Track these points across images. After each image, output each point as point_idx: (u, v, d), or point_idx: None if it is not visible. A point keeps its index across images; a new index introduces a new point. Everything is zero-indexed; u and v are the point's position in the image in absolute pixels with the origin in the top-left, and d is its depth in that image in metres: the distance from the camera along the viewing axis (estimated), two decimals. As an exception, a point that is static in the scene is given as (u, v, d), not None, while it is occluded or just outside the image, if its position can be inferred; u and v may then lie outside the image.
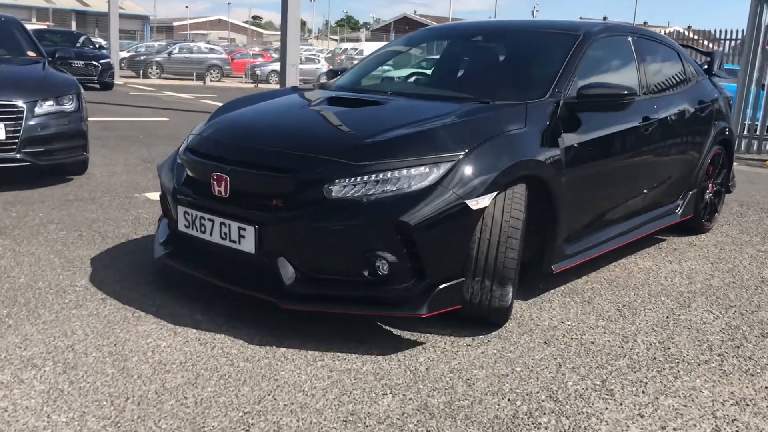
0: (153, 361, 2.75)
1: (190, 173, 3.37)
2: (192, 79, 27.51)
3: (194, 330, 3.06)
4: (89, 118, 6.54)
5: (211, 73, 28.36)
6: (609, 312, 3.54)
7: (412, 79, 5.03)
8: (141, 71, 27.39)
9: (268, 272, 2.98)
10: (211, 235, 3.13)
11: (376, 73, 4.84)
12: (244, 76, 30.87)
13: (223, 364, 2.76)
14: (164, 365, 2.73)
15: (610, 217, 4.11)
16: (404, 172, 2.89)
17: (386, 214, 2.82)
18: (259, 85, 26.61)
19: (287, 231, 2.91)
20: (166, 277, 3.65)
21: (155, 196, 5.60)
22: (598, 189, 3.90)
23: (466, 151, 2.99)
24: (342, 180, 2.89)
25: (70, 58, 18.14)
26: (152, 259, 3.65)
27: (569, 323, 3.36)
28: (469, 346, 3.04)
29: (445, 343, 3.05)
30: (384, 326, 3.18)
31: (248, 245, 2.98)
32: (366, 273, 2.88)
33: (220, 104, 3.79)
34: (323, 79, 5.03)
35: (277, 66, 29.96)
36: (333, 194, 2.88)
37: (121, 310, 3.25)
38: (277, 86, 22.66)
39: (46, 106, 5.73)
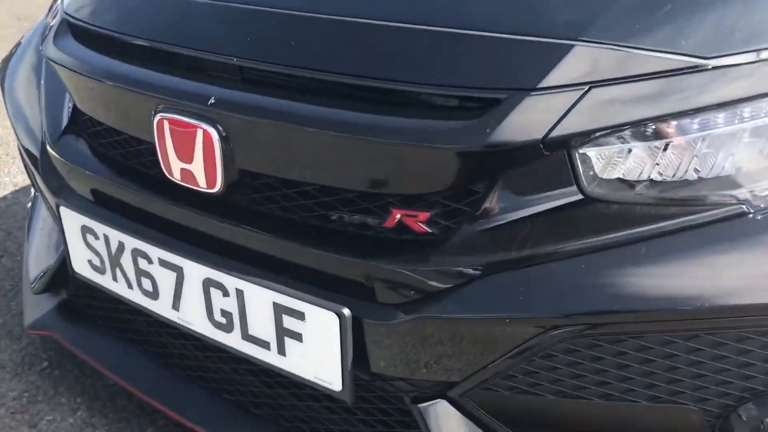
0: None
1: (81, 103, 1.15)
2: None
3: None
4: None
5: None
6: None
7: None
8: None
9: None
10: (176, 307, 1.00)
11: None
12: None
13: None
14: None
15: None
16: None
17: None
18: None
19: (457, 328, 0.81)
20: (71, 362, 1.49)
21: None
22: None
23: None
24: (645, 128, 0.75)
25: None
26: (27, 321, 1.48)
27: None
28: None
29: None
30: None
31: (315, 365, 0.88)
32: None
33: None
34: None
35: None
36: (596, 178, 0.78)
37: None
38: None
39: None
